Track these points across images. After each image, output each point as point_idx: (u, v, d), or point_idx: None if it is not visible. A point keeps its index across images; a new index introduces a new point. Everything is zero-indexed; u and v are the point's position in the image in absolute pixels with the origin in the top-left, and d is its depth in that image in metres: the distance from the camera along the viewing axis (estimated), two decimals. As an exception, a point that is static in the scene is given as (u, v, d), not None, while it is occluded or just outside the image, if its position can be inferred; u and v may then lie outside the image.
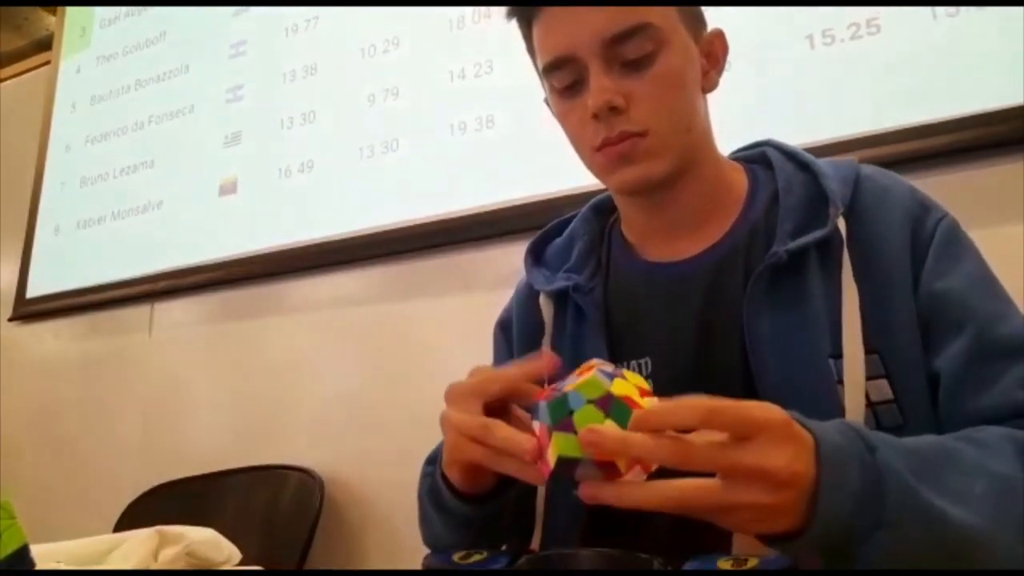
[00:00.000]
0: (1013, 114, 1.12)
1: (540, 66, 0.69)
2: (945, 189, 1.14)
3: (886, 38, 1.24)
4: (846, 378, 0.60)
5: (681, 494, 0.44)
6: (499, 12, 1.58)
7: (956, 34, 1.19)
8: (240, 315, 1.90)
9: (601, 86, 0.63)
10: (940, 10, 1.21)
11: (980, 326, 0.60)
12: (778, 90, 1.30)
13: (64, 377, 2.19)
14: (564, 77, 0.67)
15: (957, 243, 0.65)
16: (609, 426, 0.45)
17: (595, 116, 0.64)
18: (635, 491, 0.44)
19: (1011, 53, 1.13)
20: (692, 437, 0.45)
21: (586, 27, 0.64)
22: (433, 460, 0.80)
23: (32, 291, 2.24)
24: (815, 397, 0.51)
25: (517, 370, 0.56)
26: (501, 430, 0.52)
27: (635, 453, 0.45)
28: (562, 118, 0.71)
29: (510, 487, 0.61)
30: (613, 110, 0.64)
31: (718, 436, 0.44)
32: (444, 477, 0.61)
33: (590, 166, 0.71)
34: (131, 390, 2.03)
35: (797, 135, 1.26)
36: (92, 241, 2.17)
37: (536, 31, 0.69)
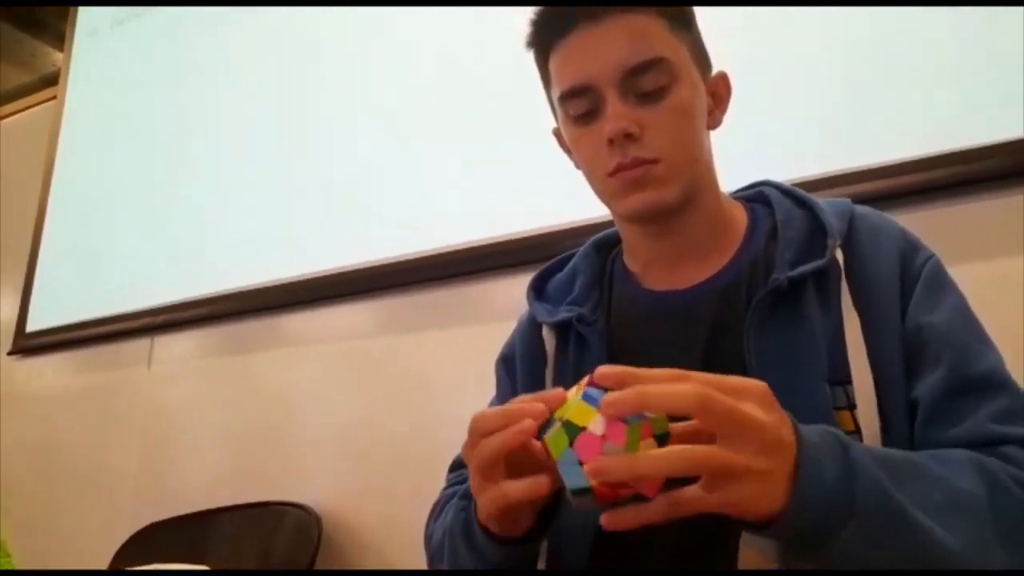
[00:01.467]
0: (1012, 148, 1.14)
1: (556, 94, 0.72)
2: (941, 223, 1.16)
3: (881, 71, 1.26)
4: (859, 402, 0.62)
5: (686, 453, 0.45)
6: (502, 50, 1.59)
7: (954, 67, 1.21)
8: (240, 349, 1.89)
9: (618, 113, 0.67)
10: (937, 45, 1.22)
11: (958, 361, 0.63)
12: (774, 125, 1.32)
13: (62, 412, 2.17)
14: (580, 105, 0.70)
15: (942, 282, 0.68)
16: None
17: (611, 142, 0.67)
18: (646, 462, 0.45)
19: (1009, 86, 1.15)
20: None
21: (606, 58, 0.67)
22: (456, 469, 0.81)
23: (32, 325, 2.24)
24: (813, 421, 0.52)
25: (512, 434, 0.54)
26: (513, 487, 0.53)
27: (658, 402, 0.46)
28: (575, 144, 0.73)
29: (548, 524, 0.61)
30: (628, 137, 0.67)
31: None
32: (480, 523, 0.61)
33: (601, 191, 0.73)
34: (129, 425, 2.01)
35: (792, 170, 1.28)
36: (94, 275, 2.17)
37: (554, 61, 0.72)
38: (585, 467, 0.46)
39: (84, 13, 2.52)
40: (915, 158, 1.19)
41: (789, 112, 1.32)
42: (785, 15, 1.35)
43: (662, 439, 0.48)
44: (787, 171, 1.26)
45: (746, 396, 0.47)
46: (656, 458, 0.45)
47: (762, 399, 0.47)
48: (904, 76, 1.24)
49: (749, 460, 0.45)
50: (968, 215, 1.17)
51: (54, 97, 2.50)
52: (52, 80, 2.59)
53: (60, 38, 2.61)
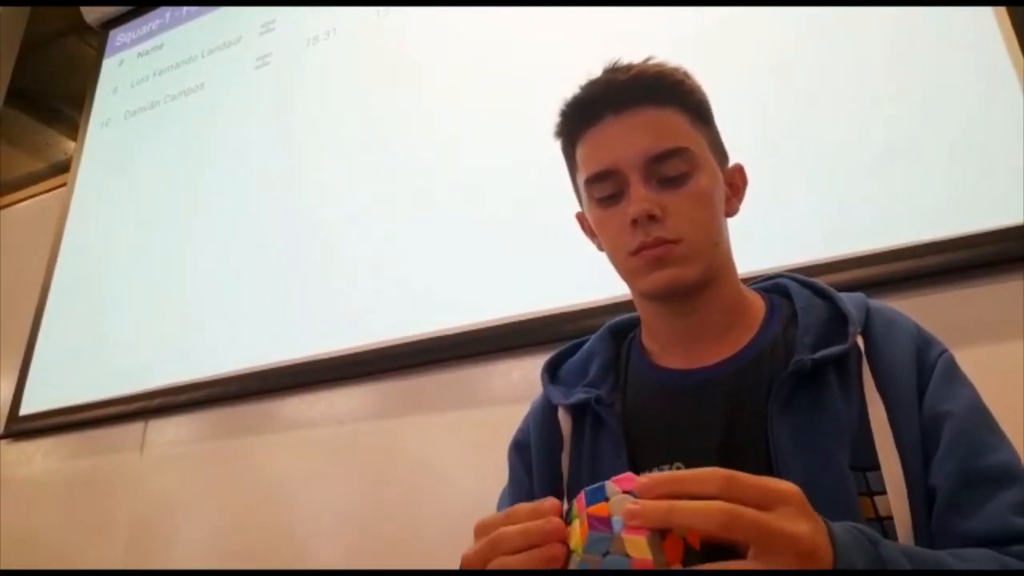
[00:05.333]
0: (1012, 234, 1.17)
1: (583, 178, 0.76)
2: (942, 308, 1.17)
3: (881, 158, 1.31)
4: (889, 489, 0.62)
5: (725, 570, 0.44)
6: (507, 131, 1.64)
7: (954, 153, 1.25)
8: (235, 433, 1.87)
9: (642, 196, 0.70)
10: (937, 132, 1.27)
11: (973, 452, 0.64)
12: (776, 211, 1.35)
13: (48, 499, 2.12)
14: (605, 188, 0.73)
15: (956, 375, 0.70)
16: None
17: (634, 222, 0.70)
18: None
19: (1008, 172, 1.19)
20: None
21: (631, 146, 0.71)
22: None
23: (27, 408, 2.22)
24: (837, 506, 0.52)
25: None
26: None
27: (681, 520, 0.45)
28: (600, 225, 0.76)
29: None
30: (651, 218, 0.70)
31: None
32: None
33: (623, 269, 0.75)
34: (117, 513, 1.96)
35: (795, 255, 1.30)
36: (91, 358, 2.16)
37: (582, 148, 0.76)
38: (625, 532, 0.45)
39: (99, 104, 2.61)
40: (915, 243, 1.22)
41: (792, 198, 1.35)
42: (790, 103, 1.42)
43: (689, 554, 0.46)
44: (790, 256, 1.29)
45: (780, 502, 0.46)
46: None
47: (797, 505, 0.47)
48: (904, 162, 1.28)
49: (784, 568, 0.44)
50: (968, 300, 1.18)
51: (64, 184, 2.56)
52: (63, 168, 2.66)
53: (74, 127, 2.69)
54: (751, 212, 1.31)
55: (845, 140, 1.34)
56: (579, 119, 0.75)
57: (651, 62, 0.75)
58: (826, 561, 0.46)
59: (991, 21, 1.29)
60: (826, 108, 1.37)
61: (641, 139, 0.71)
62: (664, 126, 0.72)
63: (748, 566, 0.44)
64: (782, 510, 0.46)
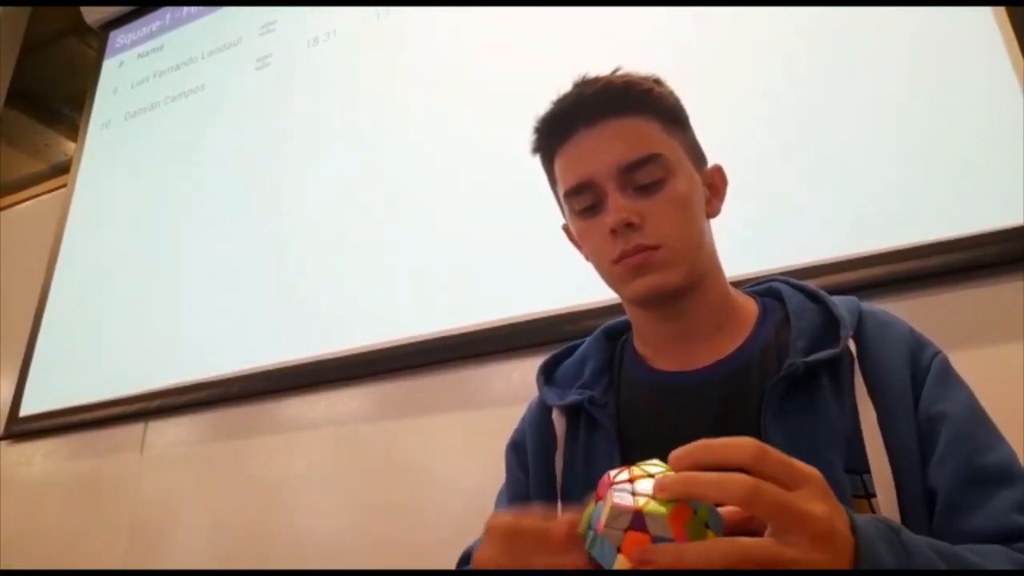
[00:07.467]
0: (1011, 235, 1.17)
1: (562, 192, 0.77)
2: (941, 310, 1.17)
3: (881, 159, 1.30)
4: (878, 492, 0.63)
5: (737, 546, 0.43)
6: (506, 132, 1.64)
7: (954, 155, 1.25)
8: (234, 434, 1.87)
9: (618, 206, 0.71)
10: (938, 132, 1.27)
11: (972, 451, 0.64)
12: (774, 213, 1.35)
13: (48, 500, 2.12)
14: (583, 200, 0.74)
15: (951, 376, 0.70)
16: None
17: (613, 232, 0.71)
18: (694, 553, 0.43)
19: (1008, 174, 1.19)
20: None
21: (605, 157, 0.72)
22: (466, 562, 0.79)
23: (27, 409, 2.22)
24: None
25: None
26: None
27: (701, 491, 0.44)
28: (582, 236, 0.77)
29: None
30: (629, 226, 0.71)
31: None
32: None
33: (608, 277, 0.76)
34: (118, 514, 1.96)
35: (792, 256, 1.30)
36: (90, 360, 2.16)
37: (559, 163, 0.77)
38: (632, 560, 0.44)
39: (99, 105, 2.62)
40: (917, 244, 1.22)
41: (794, 199, 1.35)
42: (792, 105, 1.41)
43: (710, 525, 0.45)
44: (792, 256, 1.29)
45: (803, 483, 0.45)
46: (705, 550, 0.43)
47: (819, 487, 0.46)
48: (905, 163, 1.28)
49: (802, 555, 0.43)
50: (970, 301, 1.18)
51: (64, 186, 2.56)
52: (63, 169, 2.66)
53: (74, 128, 2.70)
54: (754, 213, 1.33)
55: (846, 142, 1.34)
56: (552, 135, 0.76)
57: (619, 73, 0.76)
58: (844, 547, 0.45)
59: (991, 21, 1.28)
60: (827, 110, 1.37)
61: (613, 149, 0.72)
62: (635, 135, 0.72)
63: (765, 548, 0.43)
64: (804, 490, 0.45)
